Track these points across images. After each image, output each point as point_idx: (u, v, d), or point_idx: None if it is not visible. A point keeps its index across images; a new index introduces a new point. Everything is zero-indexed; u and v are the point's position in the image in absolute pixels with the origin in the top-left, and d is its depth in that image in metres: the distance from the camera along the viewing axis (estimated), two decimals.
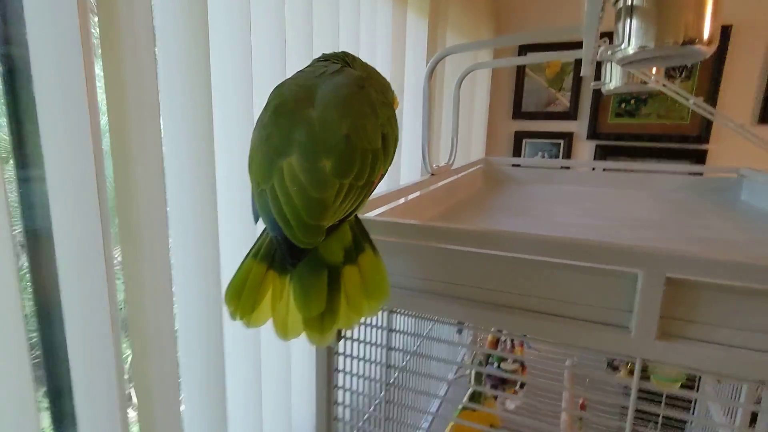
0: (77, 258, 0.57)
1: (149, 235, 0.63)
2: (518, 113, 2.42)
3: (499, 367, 1.01)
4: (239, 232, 0.78)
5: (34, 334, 0.62)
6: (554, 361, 1.20)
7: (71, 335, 0.58)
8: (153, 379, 0.66)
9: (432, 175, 0.95)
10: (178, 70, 0.65)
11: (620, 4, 0.63)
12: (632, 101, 2.20)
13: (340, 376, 0.59)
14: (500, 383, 0.99)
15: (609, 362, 1.45)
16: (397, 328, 0.56)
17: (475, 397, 0.86)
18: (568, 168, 1.91)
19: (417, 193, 0.89)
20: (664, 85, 0.87)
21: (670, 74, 2.11)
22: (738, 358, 0.40)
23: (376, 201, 0.71)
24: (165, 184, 0.65)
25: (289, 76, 0.49)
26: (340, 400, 0.60)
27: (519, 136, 2.44)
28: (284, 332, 0.39)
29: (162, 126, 0.64)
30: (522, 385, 1.05)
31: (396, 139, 0.47)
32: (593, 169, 1.60)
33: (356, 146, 0.41)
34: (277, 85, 0.48)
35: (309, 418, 1.01)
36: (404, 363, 0.67)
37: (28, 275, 0.59)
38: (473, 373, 0.90)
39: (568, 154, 2.38)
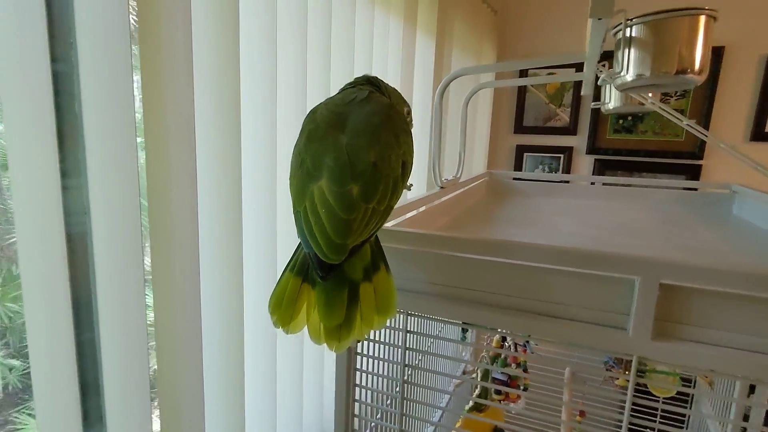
0: (114, 264, 0.61)
1: (180, 244, 0.68)
2: (519, 128, 2.49)
3: (501, 372, 1.05)
4: (261, 242, 0.83)
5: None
6: (554, 369, 1.25)
7: (105, 338, 0.62)
8: (178, 381, 0.71)
9: (442, 188, 1.00)
10: (210, 94, 0.70)
11: (620, 35, 0.69)
12: (629, 118, 2.27)
13: (358, 374, 0.64)
14: (503, 385, 1.04)
15: (608, 369, 1.50)
16: (412, 330, 0.61)
17: (482, 394, 0.91)
18: (567, 182, 1.97)
19: (425, 206, 0.94)
20: (660, 108, 0.92)
21: (666, 93, 2.18)
22: (726, 356, 0.45)
23: (403, 208, 0.77)
24: (197, 197, 0.69)
25: (322, 102, 0.54)
26: (357, 396, 0.65)
27: (520, 150, 2.50)
28: (318, 338, 0.44)
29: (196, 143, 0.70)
30: (525, 389, 1.09)
31: (411, 165, 0.52)
32: (592, 183, 1.65)
33: (381, 173, 0.46)
34: (310, 110, 0.53)
35: (316, 417, 1.06)
36: (417, 361, 0.72)
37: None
38: (480, 371, 0.94)
39: (567, 168, 2.44)
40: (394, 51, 1.24)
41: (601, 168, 2.36)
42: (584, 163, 2.42)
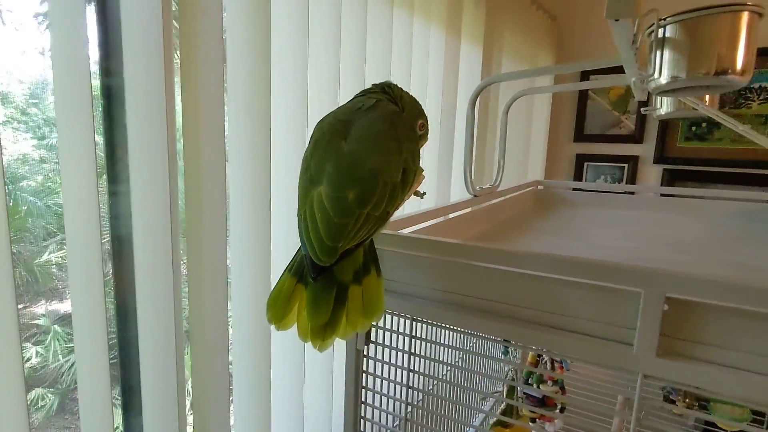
0: (152, 264, 0.67)
1: (211, 249, 0.73)
2: (580, 136, 2.38)
3: (538, 387, 1.01)
4: (291, 249, 0.86)
5: (113, 336, 0.72)
6: (603, 394, 1.17)
7: (143, 334, 0.68)
8: (208, 378, 0.75)
9: (475, 196, 0.99)
10: (243, 104, 0.75)
11: (654, 35, 0.66)
12: (703, 125, 2.10)
13: (371, 379, 0.65)
14: (538, 405, 1.00)
15: (665, 396, 1.38)
16: (443, 342, 0.60)
17: (507, 411, 0.88)
18: (632, 193, 1.85)
19: (460, 213, 0.93)
20: (716, 114, 0.86)
21: (746, 96, 2.00)
22: (742, 381, 0.41)
23: (416, 217, 0.77)
24: (227, 204, 0.74)
25: (332, 111, 0.56)
26: (370, 401, 0.65)
27: (580, 159, 2.40)
28: (305, 337, 0.46)
29: (227, 152, 0.74)
30: (562, 410, 1.04)
31: (415, 172, 0.53)
32: (665, 195, 1.54)
33: (379, 180, 0.46)
34: (320, 119, 0.55)
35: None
36: (444, 374, 0.71)
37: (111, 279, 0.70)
38: (506, 387, 0.92)
39: (632, 179, 2.30)
40: (435, 60, 1.24)
41: (670, 179, 2.20)
42: (651, 173, 2.26)
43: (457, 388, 0.63)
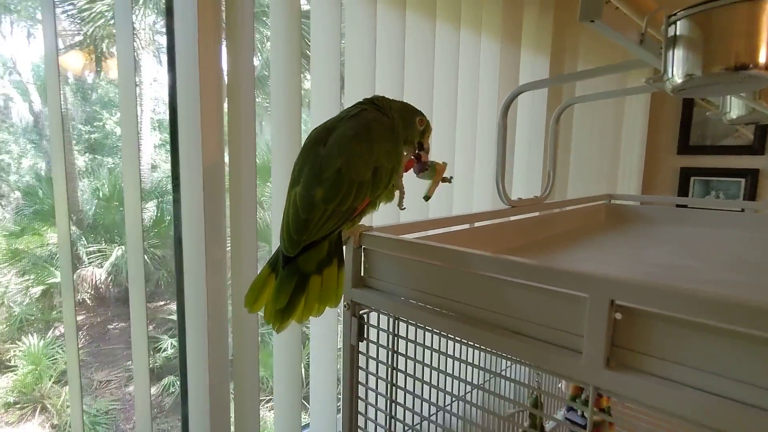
0: (197, 260, 0.78)
1: (247, 245, 0.83)
2: (685, 147, 2.15)
3: (582, 415, 0.95)
4: None
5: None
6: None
7: (189, 327, 0.80)
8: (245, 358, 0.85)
9: (512, 207, 0.97)
10: (280, 122, 0.84)
11: (664, 32, 0.61)
12: None
13: (372, 379, 0.68)
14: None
15: None
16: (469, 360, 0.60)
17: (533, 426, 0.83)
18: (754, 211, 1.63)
19: (488, 222, 0.92)
20: None
21: None
22: (689, 399, 0.37)
23: (443, 221, 0.80)
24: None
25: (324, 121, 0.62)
26: (362, 395, 0.68)
27: (686, 173, 2.15)
28: (268, 319, 0.51)
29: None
30: None
31: (390, 170, 0.56)
32: None
33: (345, 178, 0.51)
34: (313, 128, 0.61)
35: None
36: (467, 392, 0.70)
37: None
38: (528, 415, 0.87)
39: (752, 195, 2.01)
40: (489, 72, 1.24)
41: None
42: None
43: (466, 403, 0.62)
